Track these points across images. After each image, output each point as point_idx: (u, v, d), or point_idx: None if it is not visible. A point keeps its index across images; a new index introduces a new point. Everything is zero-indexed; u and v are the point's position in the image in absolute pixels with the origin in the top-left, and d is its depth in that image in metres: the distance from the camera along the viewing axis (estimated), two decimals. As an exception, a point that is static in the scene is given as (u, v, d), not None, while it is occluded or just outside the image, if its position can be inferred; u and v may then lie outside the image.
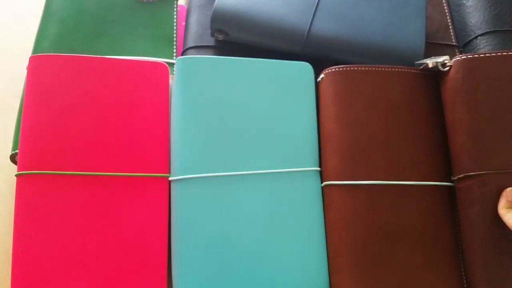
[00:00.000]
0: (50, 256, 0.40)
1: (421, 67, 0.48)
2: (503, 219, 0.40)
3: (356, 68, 0.48)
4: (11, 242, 0.40)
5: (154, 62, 0.47)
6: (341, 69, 0.48)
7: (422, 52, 0.50)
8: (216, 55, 0.53)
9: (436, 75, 0.48)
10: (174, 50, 0.53)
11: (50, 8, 0.52)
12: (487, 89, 0.43)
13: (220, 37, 0.51)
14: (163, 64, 0.47)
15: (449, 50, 0.54)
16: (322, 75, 0.49)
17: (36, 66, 0.44)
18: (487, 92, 0.43)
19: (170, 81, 0.48)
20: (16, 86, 0.54)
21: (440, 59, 0.46)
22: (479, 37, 0.52)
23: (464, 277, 0.45)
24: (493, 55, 0.44)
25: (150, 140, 0.44)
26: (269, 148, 0.46)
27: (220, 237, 0.43)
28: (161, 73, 0.47)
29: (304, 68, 0.49)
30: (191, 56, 0.48)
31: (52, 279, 0.40)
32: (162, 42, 0.53)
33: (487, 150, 0.43)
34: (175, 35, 0.54)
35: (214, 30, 0.51)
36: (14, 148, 0.47)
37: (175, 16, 0.55)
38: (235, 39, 0.51)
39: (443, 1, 0.58)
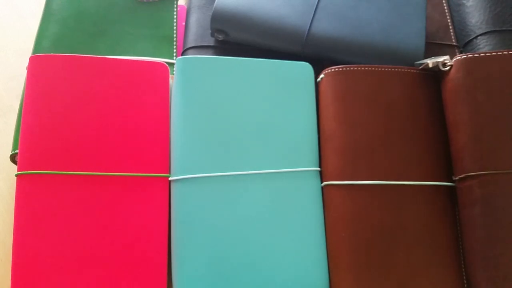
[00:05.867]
0: (50, 256, 0.40)
1: (421, 67, 0.48)
2: None
3: (356, 68, 0.48)
4: (11, 242, 0.40)
5: (154, 62, 0.47)
6: (341, 69, 0.48)
7: (422, 52, 0.50)
8: (216, 55, 0.53)
9: (436, 75, 0.48)
10: (174, 50, 0.53)
11: (50, 8, 0.52)
12: (487, 88, 0.43)
13: (220, 37, 0.51)
14: (163, 64, 0.47)
15: (449, 50, 0.54)
16: (322, 75, 0.49)
17: (36, 66, 0.44)
18: (488, 92, 0.43)
19: (170, 81, 0.48)
20: (16, 86, 0.55)
21: (441, 59, 0.46)
22: (479, 37, 0.52)
23: (464, 277, 0.45)
24: (493, 55, 0.44)
25: (150, 140, 0.44)
26: (269, 148, 0.46)
27: (220, 237, 0.43)
28: (161, 73, 0.47)
29: (304, 68, 0.49)
30: (191, 56, 0.48)
31: (52, 279, 0.40)
32: (162, 42, 0.53)
33: (488, 150, 0.43)
34: (175, 35, 0.54)
35: (214, 30, 0.51)
36: (14, 148, 0.46)
37: (175, 16, 0.55)
38: (235, 39, 0.51)
39: (443, 1, 0.58)
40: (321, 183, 0.47)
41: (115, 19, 0.53)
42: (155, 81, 0.46)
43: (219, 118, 0.45)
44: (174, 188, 0.44)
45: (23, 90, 0.46)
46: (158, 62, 0.47)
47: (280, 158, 0.46)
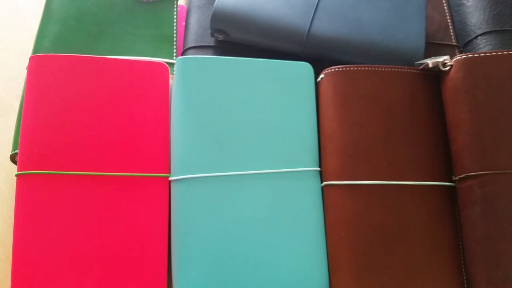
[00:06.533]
0: (50, 256, 0.40)
1: (421, 67, 0.48)
2: None
3: (356, 68, 0.48)
4: (11, 242, 0.40)
5: (154, 62, 0.47)
6: (341, 69, 0.48)
7: (422, 52, 0.50)
8: (216, 55, 0.53)
9: (436, 75, 0.48)
10: (174, 50, 0.53)
11: (50, 8, 0.52)
12: (487, 88, 0.43)
13: (220, 37, 0.51)
14: (163, 64, 0.47)
15: (449, 50, 0.54)
16: (322, 75, 0.49)
17: (36, 66, 0.44)
18: (488, 92, 0.43)
19: (170, 81, 0.48)
20: (16, 86, 0.55)
21: (441, 58, 0.46)
22: (479, 37, 0.52)
23: (464, 277, 0.45)
24: (493, 55, 0.44)
25: (150, 140, 0.44)
26: (269, 148, 0.46)
27: (220, 237, 0.43)
28: (161, 73, 0.47)
29: (304, 68, 0.49)
30: (191, 56, 0.48)
31: (52, 279, 0.40)
32: (162, 42, 0.53)
33: (488, 150, 0.43)
34: (175, 35, 0.54)
35: (214, 30, 0.51)
36: (14, 148, 0.46)
37: (175, 16, 0.55)
38: (235, 39, 0.51)
39: (443, 1, 0.58)
40: (321, 183, 0.47)
41: (115, 19, 0.53)
42: (155, 81, 0.46)
43: (219, 118, 0.45)
44: (174, 188, 0.44)
45: (23, 90, 0.46)
46: (158, 62, 0.47)
47: (280, 158, 0.46)
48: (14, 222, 0.40)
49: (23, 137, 0.42)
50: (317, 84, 0.50)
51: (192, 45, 0.53)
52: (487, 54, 0.44)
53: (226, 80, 0.47)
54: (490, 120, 0.43)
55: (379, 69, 0.48)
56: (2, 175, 0.50)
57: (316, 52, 0.50)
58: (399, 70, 0.48)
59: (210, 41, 0.54)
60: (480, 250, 0.42)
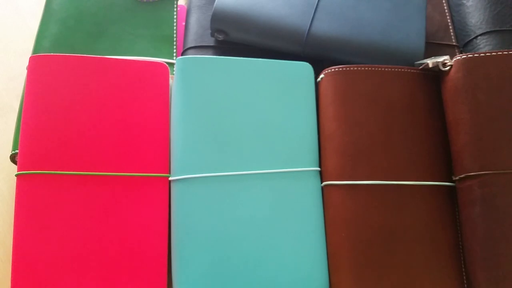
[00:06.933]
0: (50, 256, 0.40)
1: (421, 67, 0.48)
2: None
3: (356, 68, 0.48)
4: (11, 242, 0.40)
5: (154, 62, 0.47)
6: (341, 69, 0.48)
7: (422, 52, 0.50)
8: (216, 55, 0.53)
9: (436, 75, 0.48)
10: (174, 50, 0.53)
11: (50, 8, 0.52)
12: (487, 88, 0.43)
13: (220, 37, 0.51)
14: (163, 64, 0.47)
15: (449, 50, 0.54)
16: (322, 75, 0.49)
17: (36, 66, 0.44)
18: (488, 92, 0.43)
19: (170, 81, 0.48)
20: (16, 86, 0.55)
21: (441, 58, 0.46)
22: (479, 37, 0.52)
23: (464, 277, 0.45)
24: (493, 55, 0.44)
25: (150, 140, 0.44)
26: (269, 148, 0.46)
27: (220, 237, 0.43)
28: (161, 73, 0.47)
29: (304, 68, 0.49)
30: (191, 56, 0.48)
31: (52, 279, 0.40)
32: (162, 42, 0.53)
33: (488, 150, 0.43)
34: (175, 35, 0.54)
35: (214, 30, 0.51)
36: (14, 148, 0.46)
37: (175, 16, 0.55)
38: (235, 39, 0.51)
39: (443, 1, 0.58)
40: (321, 183, 0.47)
41: (115, 19, 0.53)
42: (155, 81, 0.46)
43: (219, 118, 0.45)
44: (174, 188, 0.44)
45: (23, 90, 0.46)
46: (158, 62, 0.47)
47: (280, 158, 0.46)
48: (14, 222, 0.40)
49: (23, 137, 0.42)
50: (317, 84, 0.50)
51: (192, 45, 0.53)
52: (487, 54, 0.44)
53: (226, 80, 0.47)
54: (490, 120, 0.43)
55: (379, 69, 0.48)
56: (2, 175, 0.50)
57: (316, 52, 0.50)
58: (399, 70, 0.48)
59: (210, 41, 0.54)
60: (480, 250, 0.42)
